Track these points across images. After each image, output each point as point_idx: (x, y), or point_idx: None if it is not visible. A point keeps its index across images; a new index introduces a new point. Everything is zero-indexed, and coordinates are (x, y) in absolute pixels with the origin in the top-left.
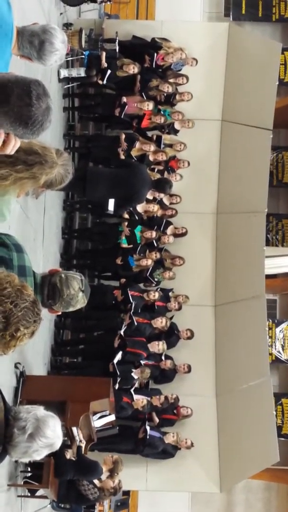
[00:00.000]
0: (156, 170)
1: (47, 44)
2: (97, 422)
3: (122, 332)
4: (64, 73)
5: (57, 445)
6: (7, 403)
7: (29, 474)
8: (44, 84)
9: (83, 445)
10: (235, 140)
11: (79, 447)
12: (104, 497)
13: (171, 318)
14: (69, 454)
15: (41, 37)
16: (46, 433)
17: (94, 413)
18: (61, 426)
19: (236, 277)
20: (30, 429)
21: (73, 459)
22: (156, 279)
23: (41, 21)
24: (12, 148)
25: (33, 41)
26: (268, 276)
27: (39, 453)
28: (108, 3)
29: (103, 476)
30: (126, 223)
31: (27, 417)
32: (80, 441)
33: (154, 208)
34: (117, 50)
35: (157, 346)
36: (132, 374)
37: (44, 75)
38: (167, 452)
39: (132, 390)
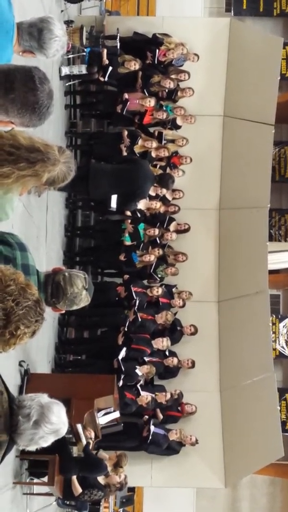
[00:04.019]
0: (158, 166)
1: (45, 31)
2: (102, 419)
3: (125, 328)
4: (65, 70)
5: (63, 431)
6: (10, 393)
7: (35, 472)
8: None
9: (91, 441)
10: (237, 135)
11: (87, 444)
12: (110, 493)
13: (175, 314)
14: (75, 451)
15: (39, 25)
16: (51, 419)
17: (99, 410)
18: (65, 412)
19: (239, 273)
20: (35, 416)
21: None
22: (159, 275)
23: None
24: None
25: (32, 32)
26: (271, 272)
27: (46, 440)
28: None
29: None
30: (129, 220)
31: (31, 404)
32: (89, 437)
33: (157, 205)
34: (118, 47)
35: (161, 343)
36: (136, 370)
37: (45, 73)
38: (172, 448)
39: (138, 386)
